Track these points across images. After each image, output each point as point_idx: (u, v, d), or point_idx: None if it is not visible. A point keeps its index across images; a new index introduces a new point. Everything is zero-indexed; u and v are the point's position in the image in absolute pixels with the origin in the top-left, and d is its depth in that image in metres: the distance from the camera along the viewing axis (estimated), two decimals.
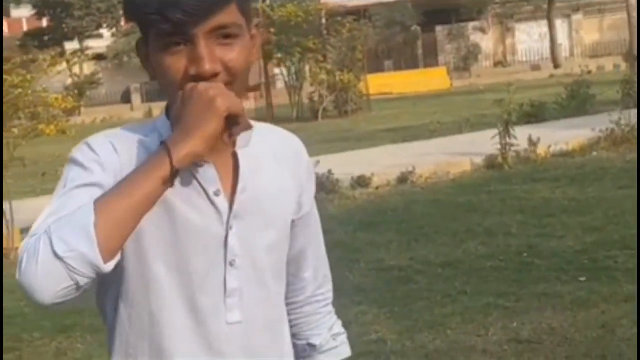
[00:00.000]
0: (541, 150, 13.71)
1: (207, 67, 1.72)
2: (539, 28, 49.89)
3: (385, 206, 11.70)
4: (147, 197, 1.64)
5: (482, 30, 51.42)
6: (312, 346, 2.09)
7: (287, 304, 2.03)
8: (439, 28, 51.56)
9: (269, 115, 29.52)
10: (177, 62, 1.74)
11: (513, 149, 13.52)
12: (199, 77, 1.72)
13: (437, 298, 7.24)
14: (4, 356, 6.98)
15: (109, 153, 1.78)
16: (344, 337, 2.17)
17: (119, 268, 1.73)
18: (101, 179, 1.73)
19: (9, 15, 51.05)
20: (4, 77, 11.18)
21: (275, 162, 1.94)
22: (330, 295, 2.16)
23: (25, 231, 11.42)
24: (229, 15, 1.74)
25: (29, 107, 11.54)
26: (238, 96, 1.75)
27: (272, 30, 28.85)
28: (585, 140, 14.25)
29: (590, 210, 9.94)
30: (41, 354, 6.98)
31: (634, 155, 13.14)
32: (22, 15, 52.71)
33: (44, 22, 50.42)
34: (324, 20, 30.38)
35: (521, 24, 51.63)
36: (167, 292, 1.83)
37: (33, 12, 50.03)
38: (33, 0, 48.04)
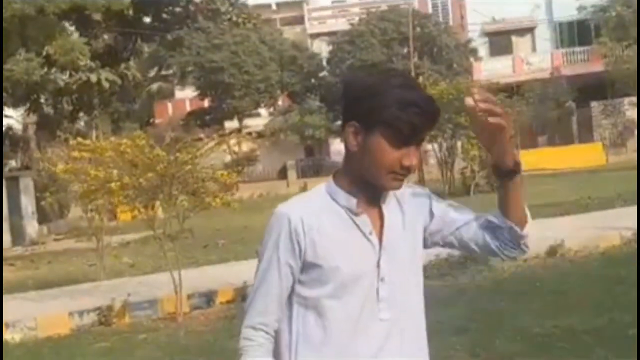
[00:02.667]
0: None
1: (415, 162, 2.61)
2: None
3: (534, 277, 11.87)
4: None
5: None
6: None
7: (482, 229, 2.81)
8: (594, 104, 50.87)
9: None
10: (396, 155, 2.59)
11: None
12: (407, 167, 2.61)
13: None
14: None
15: (298, 228, 2.65)
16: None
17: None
18: (287, 260, 2.65)
19: (173, 96, 52.77)
20: (176, 154, 12.03)
21: (401, 211, 2.78)
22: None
23: (191, 297, 12.18)
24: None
25: (197, 182, 12.36)
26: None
27: None
28: None
29: None
30: None
31: None
32: (185, 96, 54.44)
33: (206, 103, 51.89)
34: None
35: None
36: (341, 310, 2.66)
37: (196, 93, 51.99)
38: (197, 82, 49.66)
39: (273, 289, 2.64)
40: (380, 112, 2.57)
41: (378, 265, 2.64)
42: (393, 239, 2.67)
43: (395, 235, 2.68)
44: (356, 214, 2.64)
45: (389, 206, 2.71)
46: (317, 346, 2.63)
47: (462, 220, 2.79)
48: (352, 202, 2.63)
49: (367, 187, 2.65)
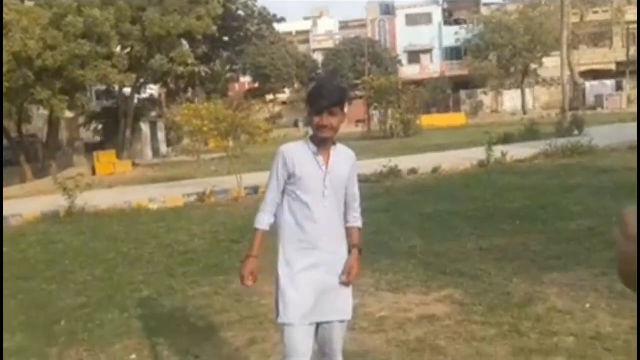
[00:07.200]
0: (508, 158, 13.57)
1: (324, 122, 2.65)
2: (516, 92, 48.40)
3: (425, 183, 11.94)
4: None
5: (485, 93, 49.83)
6: (347, 220, 2.88)
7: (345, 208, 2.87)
8: (462, 91, 50.51)
9: (369, 135, 29.83)
10: (316, 120, 2.67)
11: (493, 157, 13.47)
12: (322, 125, 2.65)
13: (445, 229, 7.62)
14: None
15: (288, 157, 2.72)
16: (360, 220, 2.93)
17: (292, 195, 2.74)
18: (282, 173, 2.72)
19: (238, 81, 51.83)
20: (239, 113, 11.96)
21: (344, 158, 2.82)
22: (358, 206, 2.91)
23: (246, 188, 12.15)
24: (336, 108, 2.68)
25: (250, 128, 12.30)
26: (337, 131, 2.70)
27: (372, 90, 29.18)
28: (532, 154, 14.13)
29: (530, 188, 10.03)
30: None
31: (558, 162, 13.20)
32: (245, 81, 53.62)
33: (256, 85, 51.26)
34: (400, 86, 30.13)
35: (507, 90, 49.80)
36: (305, 199, 2.73)
37: (250, 79, 51.44)
38: (251, 73, 49.23)
39: (274, 185, 2.74)
40: (308, 98, 2.72)
41: (324, 180, 2.70)
42: (333, 169, 2.71)
43: (335, 168, 2.71)
44: (316, 155, 2.71)
45: (336, 154, 2.74)
46: (290, 225, 2.74)
47: (349, 190, 2.82)
48: (315, 149, 2.71)
49: (320, 141, 2.70)
